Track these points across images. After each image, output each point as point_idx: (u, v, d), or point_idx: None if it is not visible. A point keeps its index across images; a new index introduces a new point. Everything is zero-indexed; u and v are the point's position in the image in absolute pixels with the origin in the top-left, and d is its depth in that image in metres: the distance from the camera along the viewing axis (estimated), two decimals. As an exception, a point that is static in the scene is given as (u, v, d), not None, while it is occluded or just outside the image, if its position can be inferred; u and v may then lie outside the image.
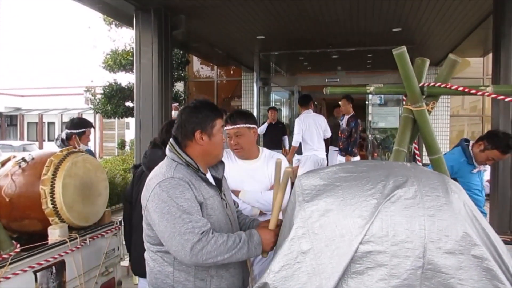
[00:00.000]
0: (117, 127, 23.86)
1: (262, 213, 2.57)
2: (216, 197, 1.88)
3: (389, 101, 9.40)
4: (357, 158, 6.74)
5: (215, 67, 12.58)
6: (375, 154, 9.35)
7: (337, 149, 7.32)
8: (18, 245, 2.36)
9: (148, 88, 5.71)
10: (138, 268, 2.52)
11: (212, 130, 1.88)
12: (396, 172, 1.50)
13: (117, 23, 10.04)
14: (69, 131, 3.90)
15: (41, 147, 22.27)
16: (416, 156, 2.15)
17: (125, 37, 11.98)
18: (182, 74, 11.00)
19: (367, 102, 9.41)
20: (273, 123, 8.27)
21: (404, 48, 1.88)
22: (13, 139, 24.57)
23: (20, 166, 2.68)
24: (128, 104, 10.21)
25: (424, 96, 1.97)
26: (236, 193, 2.54)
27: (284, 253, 1.44)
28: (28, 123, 26.54)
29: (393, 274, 1.32)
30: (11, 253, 2.22)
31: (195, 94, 12.55)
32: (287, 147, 8.21)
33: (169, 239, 1.67)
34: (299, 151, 6.77)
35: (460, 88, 1.88)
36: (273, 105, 10.62)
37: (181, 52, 10.34)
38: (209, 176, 1.95)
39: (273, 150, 2.70)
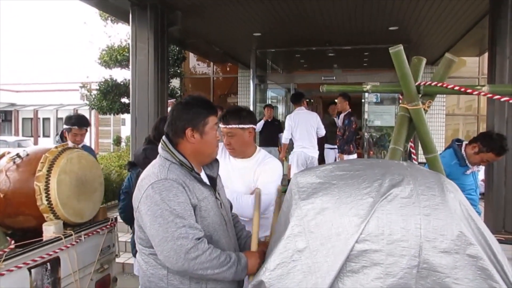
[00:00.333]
0: (112, 123, 23.80)
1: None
2: (211, 197, 1.82)
3: (385, 99, 9.41)
4: (354, 156, 6.75)
5: (212, 64, 12.54)
6: (371, 153, 9.38)
7: (332, 147, 7.34)
8: (13, 242, 2.35)
9: (144, 85, 5.69)
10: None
11: (204, 128, 1.80)
12: (392, 171, 1.50)
13: (113, 18, 9.97)
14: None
15: (36, 143, 22.17)
16: (412, 155, 2.15)
17: (121, 33, 11.97)
18: (178, 71, 10.96)
19: (363, 100, 9.42)
20: (269, 120, 8.26)
21: (400, 47, 1.89)
22: (7, 134, 24.41)
23: (14, 162, 2.66)
24: (124, 100, 10.17)
25: (420, 95, 1.98)
26: None
27: (280, 251, 1.44)
28: (23, 118, 26.40)
29: (389, 273, 1.32)
30: (6, 250, 2.20)
31: (191, 90, 12.51)
32: (282, 145, 8.22)
33: (160, 244, 1.61)
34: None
35: (457, 88, 1.88)
36: (269, 103, 10.62)
37: (177, 48, 10.30)
38: (203, 175, 1.89)
39: (269, 147, 2.67)
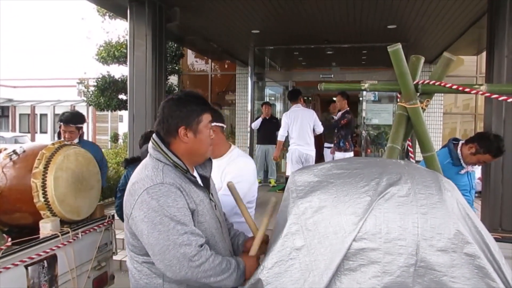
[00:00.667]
0: (110, 120, 23.71)
1: None
2: (206, 199, 1.73)
3: (383, 97, 9.42)
4: (350, 154, 6.76)
5: (210, 61, 12.52)
6: (369, 151, 9.39)
7: (331, 145, 7.35)
8: (9, 239, 2.34)
9: (141, 81, 5.67)
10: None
11: (198, 126, 1.69)
12: (389, 170, 1.50)
13: (111, 14, 9.94)
14: None
15: (33, 139, 22.09)
16: (410, 154, 2.16)
17: (118, 29, 11.90)
18: (176, 68, 10.93)
19: (361, 99, 9.43)
20: (267, 118, 8.27)
21: (399, 46, 1.89)
22: (4, 130, 24.33)
23: (11, 159, 2.64)
24: (122, 96, 10.13)
25: (418, 94, 1.98)
26: None
27: (278, 249, 1.44)
28: (20, 114, 26.28)
29: (386, 271, 1.33)
30: (2, 247, 2.20)
31: (189, 87, 12.49)
32: (281, 142, 8.22)
33: (161, 252, 1.51)
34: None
35: (455, 87, 1.89)
36: (267, 100, 10.61)
37: (175, 45, 10.27)
38: (196, 175, 1.80)
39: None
